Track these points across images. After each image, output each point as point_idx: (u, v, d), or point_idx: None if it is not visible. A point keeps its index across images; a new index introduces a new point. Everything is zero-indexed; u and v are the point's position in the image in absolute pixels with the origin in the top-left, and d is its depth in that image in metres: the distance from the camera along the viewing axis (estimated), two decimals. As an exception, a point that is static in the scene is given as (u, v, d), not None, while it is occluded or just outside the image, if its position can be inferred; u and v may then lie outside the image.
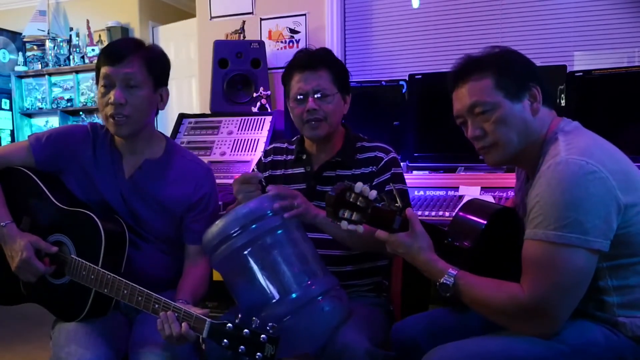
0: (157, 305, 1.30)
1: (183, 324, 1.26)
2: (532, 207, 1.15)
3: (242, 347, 1.19)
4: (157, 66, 1.51)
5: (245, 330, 1.19)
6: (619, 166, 1.15)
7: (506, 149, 1.26)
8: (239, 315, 1.23)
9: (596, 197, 1.09)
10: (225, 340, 1.20)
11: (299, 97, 1.63)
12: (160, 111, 1.60)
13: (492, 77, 1.24)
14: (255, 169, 1.83)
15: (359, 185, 1.21)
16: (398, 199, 1.27)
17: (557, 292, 1.10)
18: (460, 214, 1.38)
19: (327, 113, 1.62)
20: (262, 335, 1.18)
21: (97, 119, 4.60)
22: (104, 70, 1.47)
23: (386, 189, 1.59)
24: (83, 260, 1.41)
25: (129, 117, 1.47)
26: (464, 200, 2.08)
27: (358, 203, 1.20)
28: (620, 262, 1.16)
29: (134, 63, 1.46)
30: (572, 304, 1.13)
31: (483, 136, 1.27)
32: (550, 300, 1.11)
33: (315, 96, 1.61)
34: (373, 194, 1.21)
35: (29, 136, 1.58)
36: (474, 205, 1.41)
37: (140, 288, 1.33)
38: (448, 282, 1.21)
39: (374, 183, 1.63)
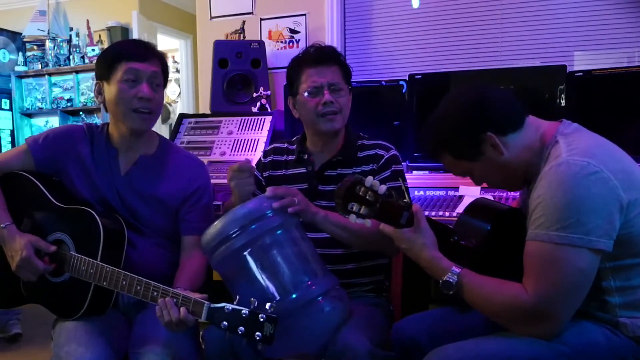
0: (155, 293, 1.31)
1: (182, 309, 1.26)
2: (534, 208, 1.15)
3: (241, 328, 1.19)
4: (166, 71, 1.60)
5: (244, 310, 1.19)
6: (621, 165, 1.15)
7: (505, 185, 1.38)
8: (237, 297, 1.23)
9: (598, 198, 1.09)
10: (224, 322, 1.20)
11: (312, 90, 1.62)
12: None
13: (448, 155, 1.31)
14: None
15: (370, 179, 1.21)
16: (406, 194, 1.28)
17: (560, 293, 1.10)
18: (467, 213, 1.38)
19: (342, 106, 1.63)
20: (261, 315, 1.18)
21: (97, 119, 4.60)
22: (130, 64, 1.49)
23: (393, 184, 1.60)
24: (82, 256, 1.42)
25: (152, 113, 1.53)
26: (464, 201, 2.08)
27: (367, 197, 1.21)
28: (624, 262, 1.15)
29: (157, 63, 1.55)
30: (574, 305, 1.12)
31: (483, 183, 1.37)
32: (553, 302, 1.10)
33: (330, 90, 1.62)
34: (383, 188, 1.21)
35: (26, 139, 1.60)
36: (480, 205, 1.42)
37: (139, 277, 1.34)
38: (451, 280, 1.21)
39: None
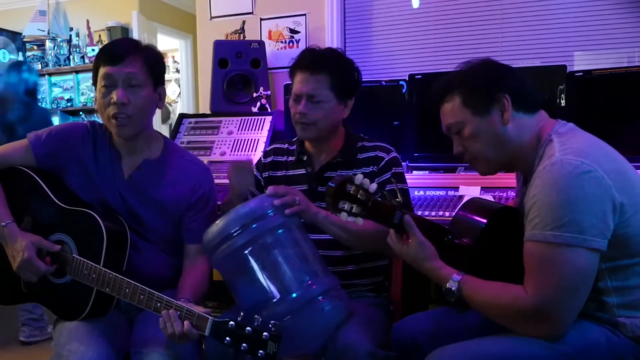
0: (159, 304, 1.31)
1: (185, 323, 1.26)
2: (530, 208, 1.15)
3: (244, 345, 1.19)
4: (155, 65, 1.52)
5: (248, 328, 1.19)
6: (615, 165, 1.15)
7: (486, 161, 1.31)
8: (241, 314, 1.23)
9: (592, 197, 1.09)
10: (227, 338, 1.20)
11: (294, 97, 1.64)
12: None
13: (459, 96, 1.29)
14: (254, 168, 1.83)
15: (359, 177, 1.21)
16: (399, 195, 1.28)
17: (559, 293, 1.10)
18: (462, 212, 1.38)
19: (316, 119, 1.61)
20: (265, 333, 1.18)
21: (97, 119, 4.60)
22: (104, 70, 1.46)
23: (388, 187, 1.60)
24: (84, 260, 1.41)
25: (131, 117, 1.47)
26: (464, 201, 2.08)
27: (358, 196, 1.21)
28: (620, 263, 1.16)
29: (135, 63, 1.46)
30: (575, 304, 1.12)
31: (464, 152, 1.33)
32: (553, 301, 1.10)
33: (309, 100, 1.60)
34: (373, 187, 1.22)
35: (28, 134, 1.58)
36: (475, 204, 1.42)
37: (142, 287, 1.34)
38: (453, 288, 1.22)
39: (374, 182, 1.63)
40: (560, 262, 1.10)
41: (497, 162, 1.31)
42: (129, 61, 1.46)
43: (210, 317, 1.24)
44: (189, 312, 1.27)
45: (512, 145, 1.27)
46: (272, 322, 1.20)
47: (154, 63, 1.52)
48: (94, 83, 1.52)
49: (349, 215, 1.22)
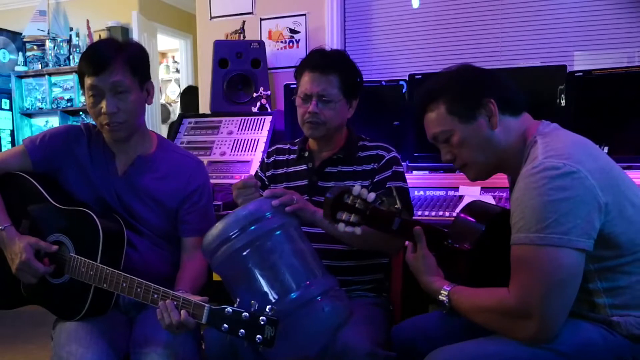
0: (156, 295, 1.31)
1: (182, 312, 1.26)
2: (514, 211, 1.15)
3: (241, 330, 1.19)
4: (139, 64, 1.51)
5: (245, 313, 1.19)
6: (599, 164, 1.14)
7: (477, 166, 1.32)
8: (238, 300, 1.23)
9: (576, 197, 1.08)
10: (224, 325, 1.20)
11: (303, 96, 1.65)
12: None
13: (444, 105, 1.28)
14: (258, 170, 1.85)
15: (357, 189, 1.22)
16: (398, 200, 1.27)
17: (542, 289, 1.09)
18: (461, 215, 1.38)
19: (327, 118, 1.64)
20: (262, 318, 1.18)
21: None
22: (89, 81, 1.45)
23: (389, 184, 1.61)
24: (82, 258, 1.41)
25: (123, 123, 1.48)
26: (464, 201, 2.08)
27: (356, 205, 1.21)
28: (608, 264, 1.15)
29: (118, 69, 1.44)
30: (560, 304, 1.10)
31: (453, 160, 1.33)
32: (535, 298, 1.09)
33: (319, 100, 1.62)
34: (371, 196, 1.22)
35: (23, 140, 1.59)
36: (475, 207, 1.41)
37: (139, 280, 1.34)
38: (444, 299, 1.25)
39: (375, 180, 1.64)
40: (545, 260, 1.09)
41: (488, 166, 1.32)
42: (113, 68, 1.43)
43: (206, 305, 1.24)
44: (185, 301, 1.27)
45: (500, 148, 1.27)
46: (269, 306, 1.20)
47: (138, 62, 1.50)
48: (82, 87, 1.51)
49: (346, 226, 1.23)
